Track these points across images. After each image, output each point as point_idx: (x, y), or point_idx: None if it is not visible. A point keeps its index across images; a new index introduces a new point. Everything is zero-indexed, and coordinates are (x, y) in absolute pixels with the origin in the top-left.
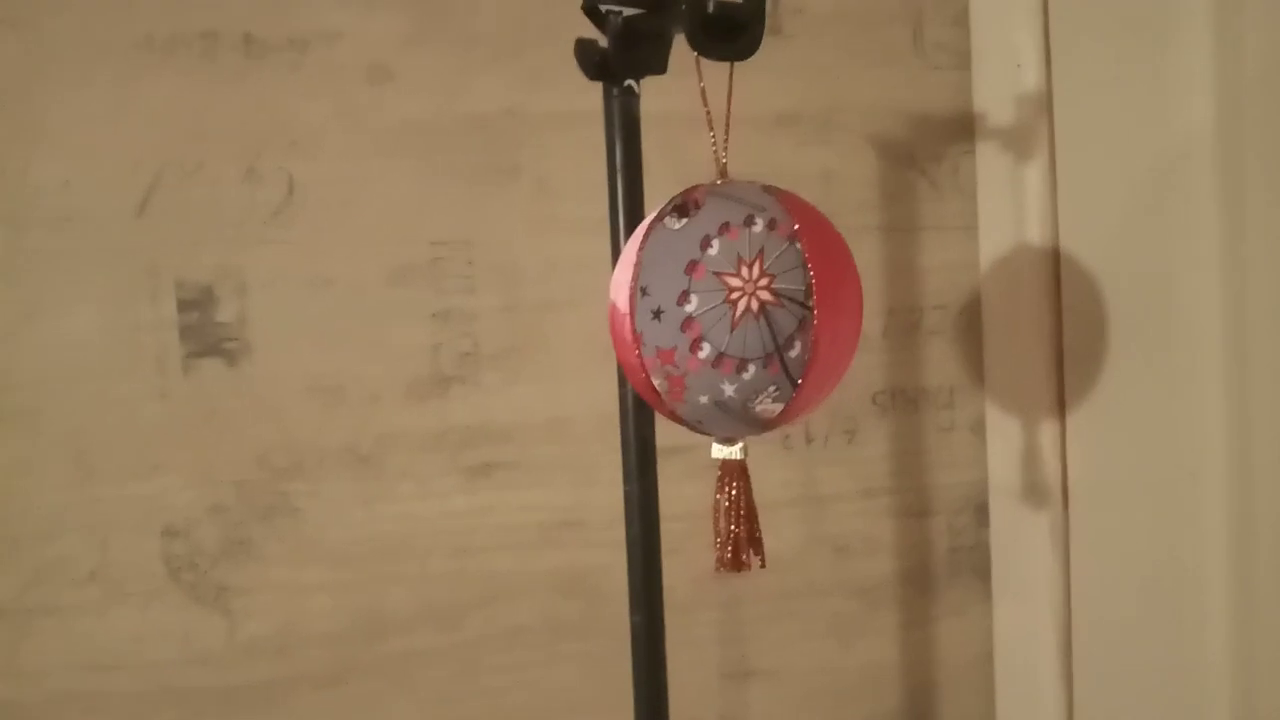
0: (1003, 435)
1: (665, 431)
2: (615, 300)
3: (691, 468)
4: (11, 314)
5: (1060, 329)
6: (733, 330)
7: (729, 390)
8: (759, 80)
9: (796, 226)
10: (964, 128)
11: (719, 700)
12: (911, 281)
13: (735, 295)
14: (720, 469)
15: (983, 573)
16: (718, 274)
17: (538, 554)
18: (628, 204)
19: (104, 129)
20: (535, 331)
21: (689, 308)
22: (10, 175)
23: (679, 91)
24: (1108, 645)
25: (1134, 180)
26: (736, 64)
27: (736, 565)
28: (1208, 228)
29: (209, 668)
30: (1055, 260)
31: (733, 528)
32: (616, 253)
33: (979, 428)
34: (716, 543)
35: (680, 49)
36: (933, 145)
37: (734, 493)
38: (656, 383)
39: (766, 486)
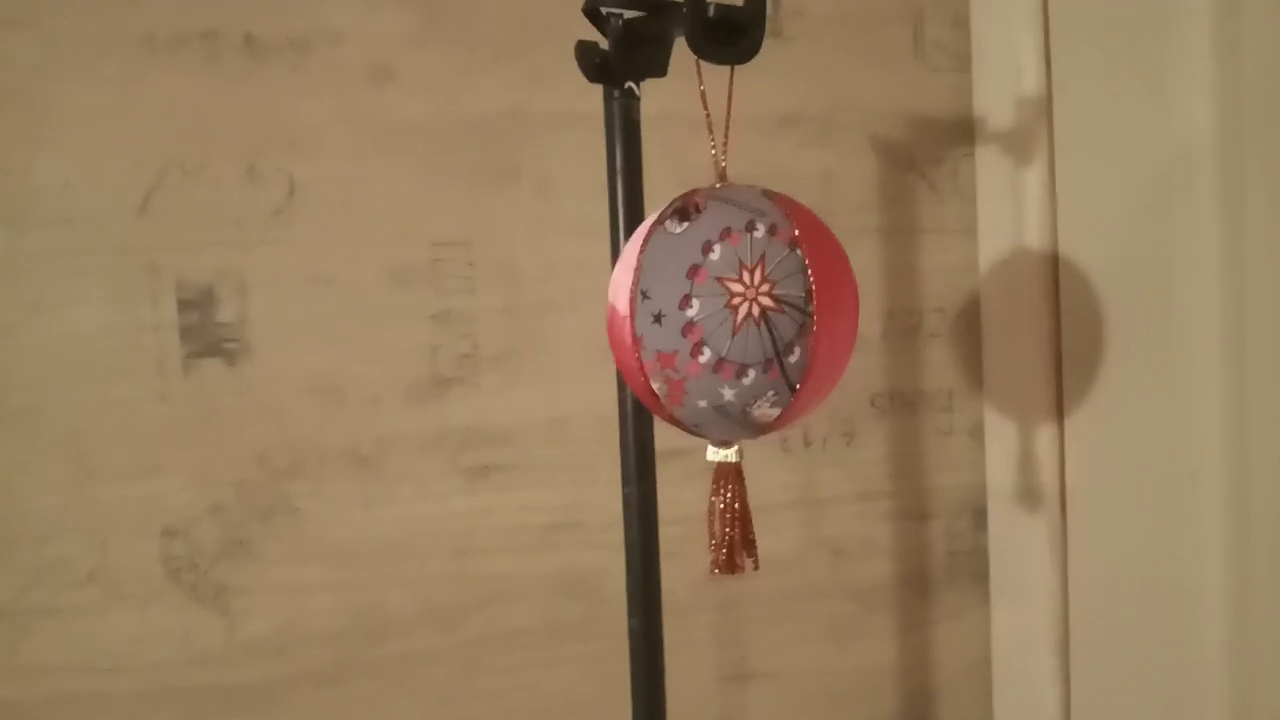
0: (1001, 439)
1: (664, 434)
2: (615, 302)
3: (690, 470)
4: (12, 313)
5: (1059, 333)
6: (734, 335)
7: (728, 395)
8: (760, 82)
9: (797, 232)
10: (964, 130)
11: (717, 703)
12: (911, 284)
13: (737, 301)
14: (715, 472)
15: (981, 576)
16: (720, 279)
17: (537, 555)
18: (628, 206)
19: (105, 129)
20: (535, 333)
21: (690, 312)
22: (11, 175)
23: (679, 93)
24: (1105, 649)
25: (1133, 184)
26: (737, 66)
27: (731, 567)
28: (1207, 231)
29: (208, 668)
30: (1054, 264)
31: (727, 530)
32: (616, 255)
33: (977, 431)
34: (711, 545)
35: (681, 51)
36: (933, 148)
37: (729, 495)
38: (655, 386)
39: (765, 489)
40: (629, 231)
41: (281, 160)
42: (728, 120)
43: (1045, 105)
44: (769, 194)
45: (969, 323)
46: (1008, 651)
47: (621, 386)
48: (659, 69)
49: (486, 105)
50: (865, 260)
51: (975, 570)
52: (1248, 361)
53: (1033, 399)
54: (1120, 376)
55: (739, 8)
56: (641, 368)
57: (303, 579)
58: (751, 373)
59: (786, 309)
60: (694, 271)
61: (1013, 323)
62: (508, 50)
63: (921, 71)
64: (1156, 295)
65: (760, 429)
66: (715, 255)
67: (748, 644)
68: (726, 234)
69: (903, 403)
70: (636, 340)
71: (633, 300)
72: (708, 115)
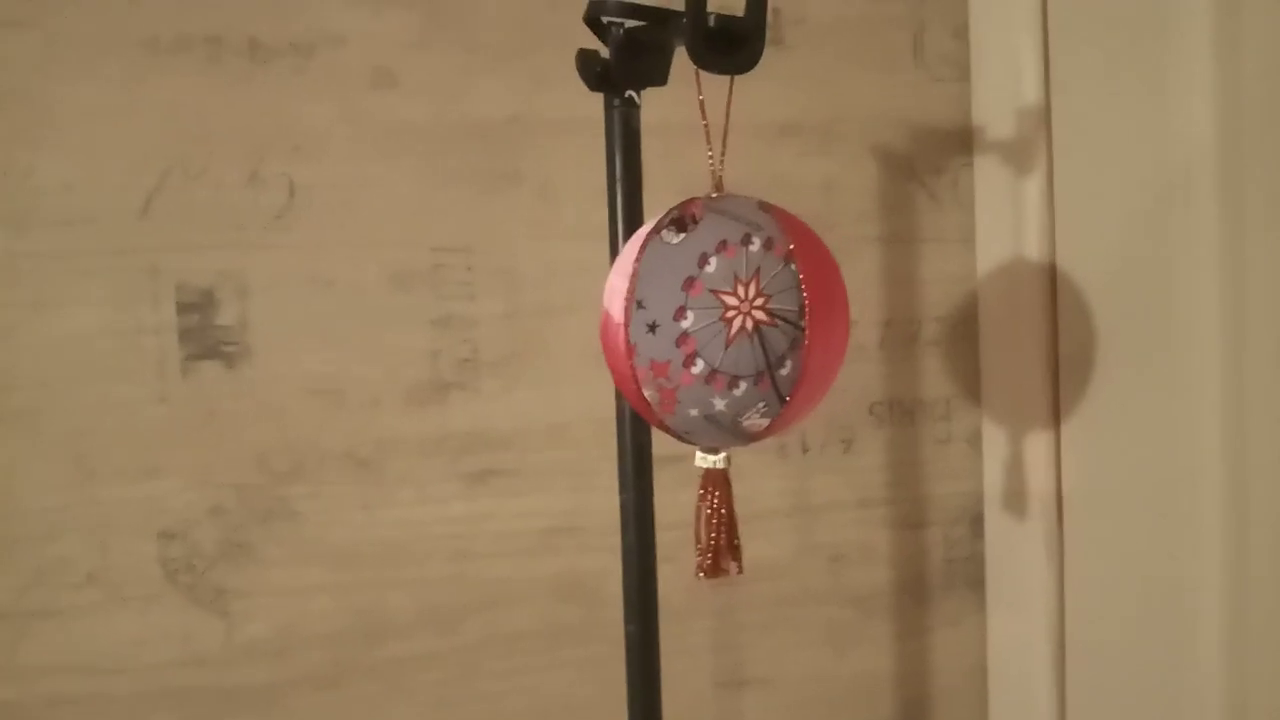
0: (999, 447)
1: (661, 440)
2: (609, 308)
3: (687, 476)
4: (13, 314)
5: (1057, 342)
6: (727, 348)
7: (719, 405)
8: (760, 90)
9: (792, 246)
10: (964, 140)
11: (713, 708)
12: (910, 293)
13: (731, 314)
14: (703, 478)
15: (977, 584)
16: (715, 292)
17: (536, 559)
18: (627, 214)
19: (107, 131)
20: (535, 338)
21: (685, 324)
22: (13, 176)
23: (680, 101)
24: (1102, 656)
25: (1132, 193)
26: (736, 76)
27: (716, 572)
28: (1205, 241)
29: (208, 669)
30: (1052, 273)
31: (713, 535)
32: None
33: (975, 439)
34: (698, 549)
35: (682, 60)
36: (933, 157)
37: (715, 501)
38: (647, 393)
39: (762, 495)
40: (628, 238)
41: (283, 163)
42: (725, 129)
43: (1044, 115)
44: (765, 206)
45: (967, 331)
46: (1004, 658)
47: (620, 392)
48: (659, 78)
49: (487, 109)
50: (865, 269)
51: (972, 577)
52: (1246, 368)
53: (1030, 408)
54: (1118, 385)
55: (739, 18)
56: (634, 374)
57: (302, 581)
58: (743, 384)
59: (780, 323)
60: (689, 284)
61: (1011, 332)
62: (509, 55)
63: (922, 81)
64: (1154, 303)
65: (750, 438)
66: (711, 268)
67: (744, 650)
68: (723, 247)
69: (901, 411)
70: (630, 348)
71: (628, 308)
72: (705, 125)
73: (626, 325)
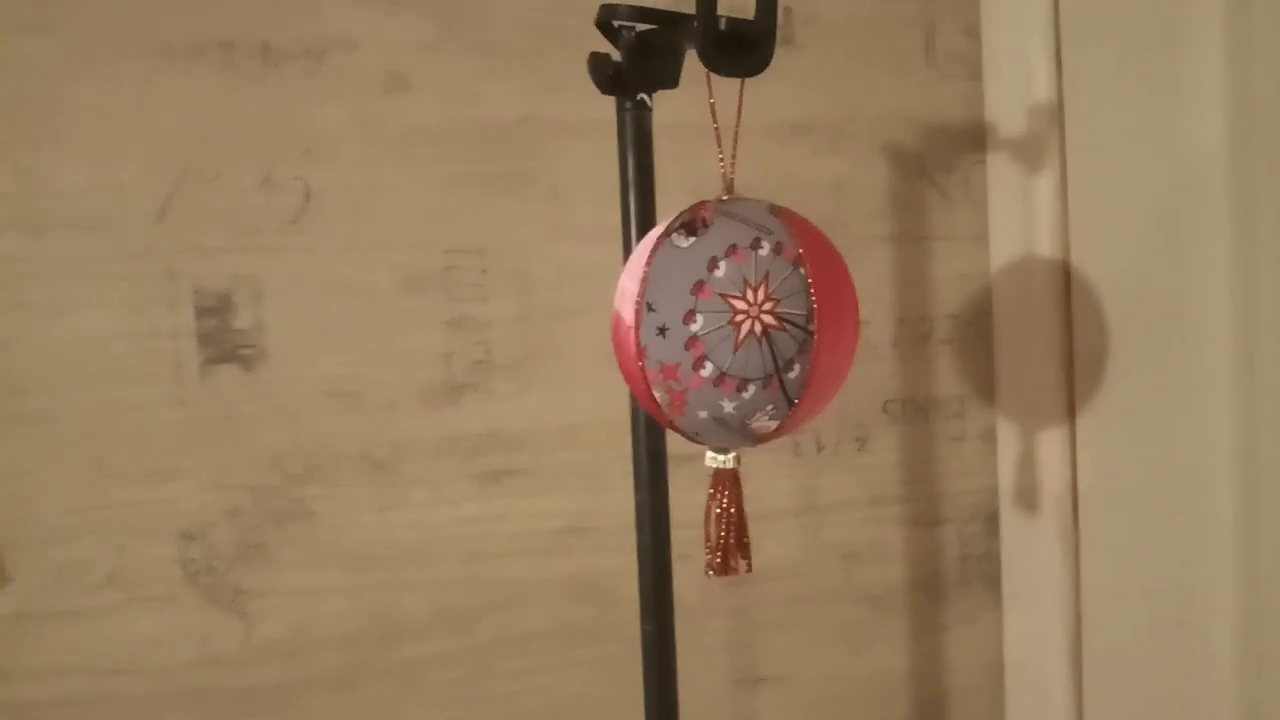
0: (1013, 444)
1: (675, 440)
2: (620, 311)
3: (701, 475)
4: (31, 317)
5: (1070, 339)
6: (735, 351)
7: (728, 407)
8: (771, 90)
9: (801, 250)
10: (975, 138)
11: (729, 707)
12: (922, 291)
13: (740, 318)
14: (713, 477)
15: (993, 581)
16: (724, 296)
17: (550, 560)
18: (640, 216)
19: (123, 135)
20: (548, 339)
21: (694, 327)
22: (31, 180)
23: (692, 103)
24: (1118, 654)
25: (1145, 191)
26: (747, 78)
27: (725, 570)
28: (1218, 239)
29: (224, 670)
30: (1066, 271)
31: (722, 534)
32: None
33: (989, 437)
34: (707, 548)
35: (693, 62)
36: (944, 155)
37: (725, 500)
38: (657, 395)
39: (776, 494)
40: (640, 240)
41: (297, 167)
42: (736, 131)
43: (1057, 112)
44: (776, 210)
45: (981, 329)
46: (1020, 656)
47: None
48: (671, 81)
49: (500, 112)
50: (877, 267)
51: (987, 575)
52: (1258, 367)
53: (1044, 405)
54: (1132, 382)
55: (750, 21)
56: (644, 376)
57: (317, 582)
58: (751, 387)
59: (788, 327)
60: (699, 287)
61: (1024, 329)
62: (521, 57)
63: (933, 79)
64: (1168, 301)
65: (758, 439)
66: (720, 272)
67: (759, 648)
68: (732, 251)
69: (914, 409)
70: (640, 350)
71: (638, 311)
72: (716, 128)
73: (637, 328)
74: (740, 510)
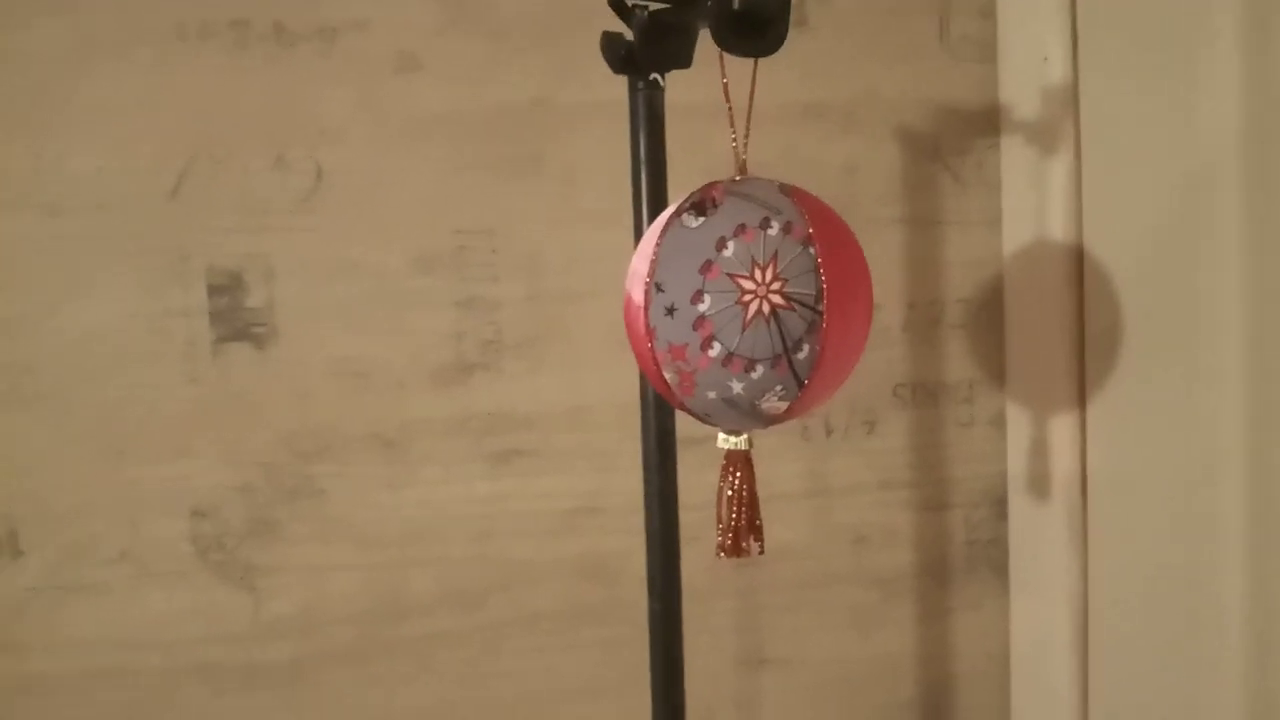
0: (1022, 430)
1: (684, 422)
2: (631, 292)
3: (710, 457)
4: (46, 297)
5: (1082, 325)
6: (743, 331)
7: (737, 388)
8: (784, 71)
9: (811, 230)
10: (989, 121)
11: (734, 687)
12: (934, 275)
13: (748, 298)
14: (725, 459)
15: (1000, 567)
16: (731, 275)
17: (558, 540)
18: (651, 197)
19: (136, 117)
20: (557, 321)
21: (702, 307)
22: (45, 161)
23: (705, 84)
24: (1124, 640)
25: (1159, 177)
26: (761, 58)
27: (736, 551)
28: (1232, 225)
29: (235, 645)
30: (1078, 256)
31: (734, 515)
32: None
33: (999, 422)
34: (719, 529)
35: (706, 42)
36: (957, 139)
37: (736, 481)
38: (667, 375)
39: (785, 477)
40: (651, 222)
41: (308, 147)
42: (749, 112)
43: (1071, 96)
44: (786, 189)
45: (992, 314)
46: (1026, 642)
47: (643, 375)
48: (684, 61)
49: (511, 94)
50: (888, 251)
51: (995, 560)
52: (1270, 355)
53: (1054, 391)
54: (1142, 369)
55: (764, 1)
56: (654, 357)
57: (327, 559)
58: (760, 368)
59: (797, 307)
60: (707, 267)
61: (1035, 314)
62: (533, 40)
63: (947, 62)
64: (1180, 287)
65: (768, 420)
66: (729, 252)
67: (766, 630)
68: (741, 230)
69: (924, 393)
70: (650, 331)
71: (647, 292)
72: (729, 108)
73: (646, 309)
74: (752, 491)
